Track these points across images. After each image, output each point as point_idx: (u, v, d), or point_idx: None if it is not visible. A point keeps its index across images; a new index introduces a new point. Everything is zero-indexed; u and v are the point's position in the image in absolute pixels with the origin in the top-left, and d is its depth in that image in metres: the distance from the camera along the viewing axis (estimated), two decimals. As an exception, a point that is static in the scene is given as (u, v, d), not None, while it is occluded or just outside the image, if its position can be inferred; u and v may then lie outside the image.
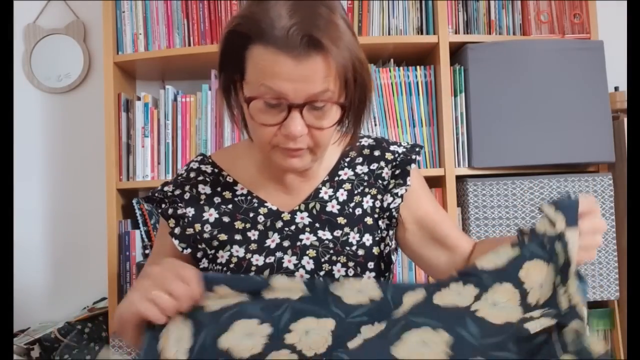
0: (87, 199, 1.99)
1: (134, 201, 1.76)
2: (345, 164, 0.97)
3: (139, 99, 1.80)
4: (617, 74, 1.84)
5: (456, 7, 1.79)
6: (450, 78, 1.71)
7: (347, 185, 0.96)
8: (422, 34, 1.77)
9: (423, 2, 1.77)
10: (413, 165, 0.96)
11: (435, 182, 1.76)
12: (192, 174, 0.97)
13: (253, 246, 0.90)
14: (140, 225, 1.74)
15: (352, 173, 0.97)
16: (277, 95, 0.78)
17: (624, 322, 1.70)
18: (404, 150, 0.98)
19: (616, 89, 1.84)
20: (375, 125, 1.72)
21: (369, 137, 1.02)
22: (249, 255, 0.89)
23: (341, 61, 0.77)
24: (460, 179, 1.72)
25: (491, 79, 1.69)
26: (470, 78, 1.70)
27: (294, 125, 0.79)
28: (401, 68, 1.74)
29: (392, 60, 1.79)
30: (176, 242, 0.92)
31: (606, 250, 1.69)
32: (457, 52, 1.77)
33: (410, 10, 1.77)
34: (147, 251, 1.72)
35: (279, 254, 0.89)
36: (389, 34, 1.76)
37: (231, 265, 0.88)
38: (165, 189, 0.97)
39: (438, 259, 0.96)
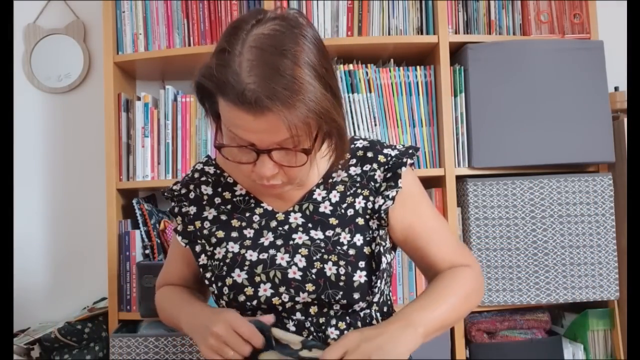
0: (87, 199, 1.99)
1: (134, 201, 1.76)
2: (339, 166, 0.98)
3: (139, 99, 1.80)
4: (617, 74, 1.84)
5: (456, 7, 1.79)
6: (450, 78, 1.71)
7: (340, 187, 0.98)
8: (422, 34, 1.77)
9: (423, 2, 1.76)
10: (404, 169, 0.96)
11: (435, 182, 1.76)
12: (196, 175, 1.03)
13: (247, 242, 0.94)
14: (140, 225, 1.74)
15: (345, 175, 0.99)
16: (246, 142, 0.82)
17: (624, 322, 1.70)
18: (397, 153, 0.99)
19: (616, 89, 1.84)
20: (375, 125, 1.72)
21: (365, 139, 1.03)
22: (243, 251, 0.93)
23: (294, 119, 0.78)
24: (460, 179, 1.72)
25: (491, 79, 1.69)
26: (470, 78, 1.70)
27: (263, 168, 0.84)
28: (401, 68, 1.74)
29: (392, 60, 1.79)
30: (179, 237, 0.99)
31: (606, 250, 1.69)
32: (457, 52, 1.77)
33: (410, 10, 1.77)
34: (147, 251, 1.72)
35: (272, 251, 0.92)
36: (389, 34, 1.76)
37: (227, 260, 0.93)
38: (174, 187, 1.03)
39: (418, 266, 1.02)
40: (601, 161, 1.73)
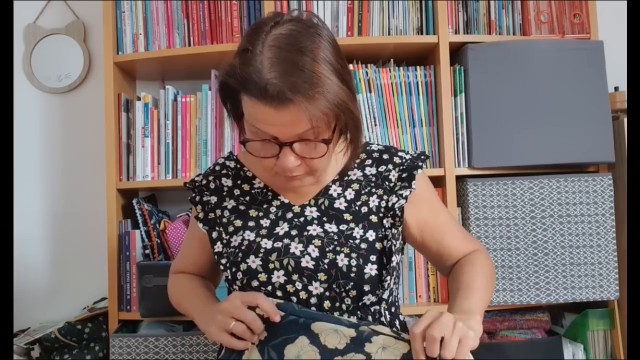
0: (87, 199, 1.99)
1: (134, 201, 1.76)
2: (355, 165, 1.04)
3: (139, 99, 1.80)
4: (617, 74, 1.84)
5: (456, 7, 1.79)
6: (450, 78, 1.71)
7: (356, 185, 1.02)
8: (422, 34, 1.77)
9: (423, 2, 1.76)
10: (419, 171, 1.03)
11: (435, 182, 1.74)
12: (217, 167, 1.09)
13: (263, 232, 0.98)
14: (140, 225, 1.74)
15: (360, 174, 1.04)
16: (268, 136, 0.87)
17: (624, 322, 1.70)
18: (411, 157, 1.05)
19: (616, 89, 1.84)
20: (375, 125, 1.72)
21: (379, 144, 1.09)
22: (258, 239, 0.97)
23: (314, 111, 0.82)
24: (460, 179, 1.72)
25: (491, 79, 1.69)
26: (470, 78, 1.70)
27: (286, 160, 0.88)
28: (401, 68, 1.74)
29: (392, 60, 1.79)
30: (200, 224, 1.05)
31: (606, 250, 1.69)
32: (457, 52, 1.77)
33: (410, 10, 1.77)
34: (147, 251, 1.72)
35: (286, 240, 0.96)
36: (389, 34, 1.76)
37: (242, 247, 0.97)
38: (196, 179, 1.09)
39: (433, 260, 1.10)
40: (601, 161, 1.73)
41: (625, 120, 1.73)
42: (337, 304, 0.94)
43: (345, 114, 0.87)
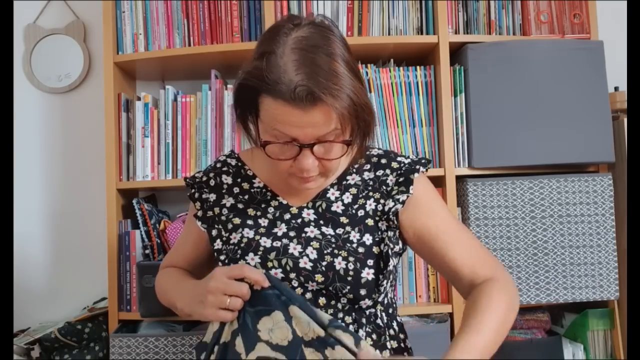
0: (87, 199, 1.99)
1: (134, 201, 1.76)
2: (354, 170, 1.05)
3: (139, 99, 1.80)
4: (617, 74, 1.84)
5: (456, 7, 1.79)
6: (450, 78, 1.71)
7: (353, 190, 1.03)
8: (422, 34, 1.77)
9: (423, 2, 1.76)
10: (417, 175, 1.01)
11: (435, 182, 1.74)
12: (218, 165, 1.10)
13: (262, 230, 0.99)
14: (140, 225, 1.74)
15: (359, 178, 1.04)
16: (289, 138, 0.87)
17: (624, 322, 1.70)
18: (411, 161, 1.04)
19: (616, 89, 1.84)
20: (375, 125, 1.71)
21: (379, 149, 1.10)
22: (257, 237, 0.98)
23: (342, 110, 0.84)
24: (460, 179, 1.72)
25: (491, 79, 1.69)
26: (470, 78, 1.70)
27: (306, 162, 0.89)
28: (401, 68, 1.74)
29: (392, 60, 1.79)
30: (199, 222, 1.06)
31: (606, 250, 1.69)
32: (457, 52, 1.77)
33: (410, 10, 1.77)
34: (147, 251, 1.72)
35: (285, 241, 0.97)
36: (389, 34, 1.76)
37: (242, 245, 0.98)
38: (196, 175, 1.10)
39: (445, 275, 1.01)
40: (601, 161, 1.73)
41: (625, 120, 1.73)
42: (333, 302, 0.94)
43: (368, 114, 0.90)
